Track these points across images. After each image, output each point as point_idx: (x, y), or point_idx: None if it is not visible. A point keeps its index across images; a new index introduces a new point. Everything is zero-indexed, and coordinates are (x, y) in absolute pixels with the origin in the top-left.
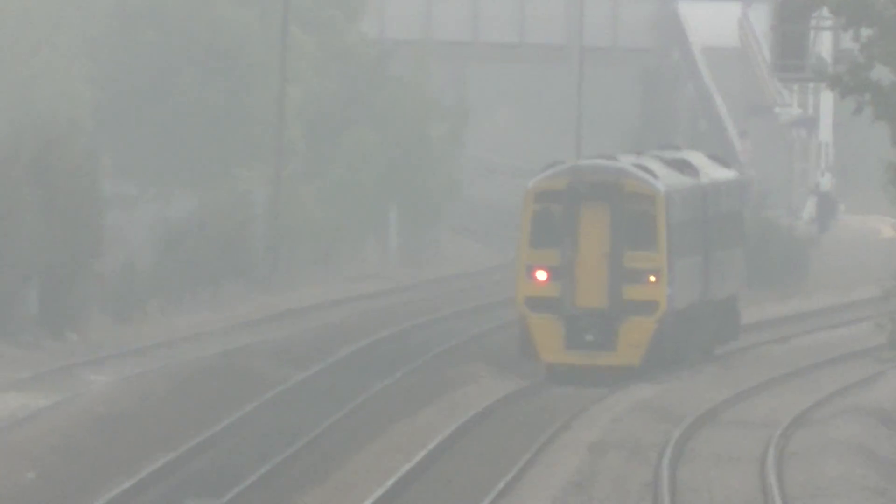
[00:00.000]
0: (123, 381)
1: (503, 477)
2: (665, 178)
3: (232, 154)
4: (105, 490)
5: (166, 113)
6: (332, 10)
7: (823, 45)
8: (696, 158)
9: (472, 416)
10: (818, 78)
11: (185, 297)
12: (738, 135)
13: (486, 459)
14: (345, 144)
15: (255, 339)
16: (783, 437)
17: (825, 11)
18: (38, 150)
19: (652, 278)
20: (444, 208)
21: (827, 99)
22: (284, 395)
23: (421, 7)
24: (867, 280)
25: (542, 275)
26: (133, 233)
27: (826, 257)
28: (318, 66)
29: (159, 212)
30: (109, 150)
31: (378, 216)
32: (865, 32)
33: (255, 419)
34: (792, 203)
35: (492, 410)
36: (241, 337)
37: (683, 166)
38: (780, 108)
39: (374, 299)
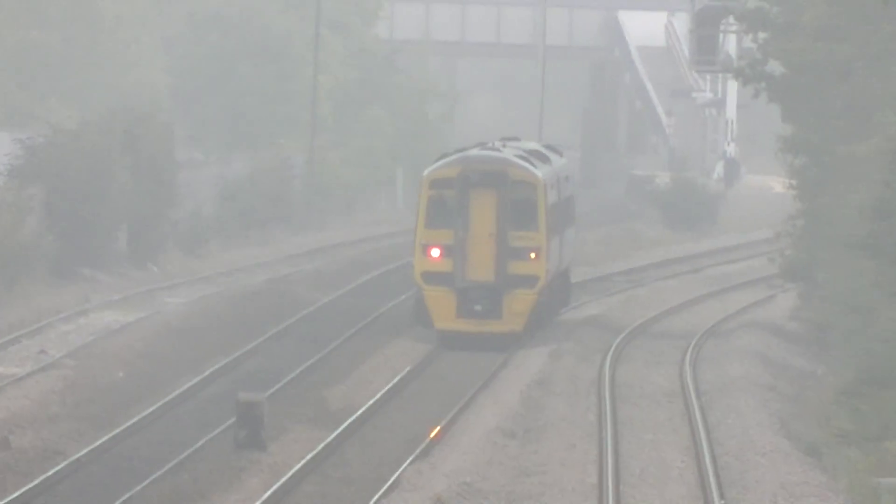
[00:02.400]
0: (192, 302)
1: (483, 376)
2: (539, 167)
3: (276, 127)
4: (177, 385)
5: (226, 96)
6: (353, 17)
7: (730, 44)
8: (543, 149)
9: None
10: (726, 70)
11: (240, 238)
12: (665, 113)
13: (469, 363)
14: (363, 120)
15: (293, 270)
16: (697, 346)
17: (732, 19)
18: (128, 125)
19: (533, 255)
20: None
21: (732, 86)
22: (316, 312)
23: (421, 14)
24: (763, 225)
25: (436, 252)
26: (200, 188)
27: (731, 207)
28: (342, 59)
29: (220, 172)
30: (182, 125)
31: (388, 175)
32: (762, 35)
33: (294, 331)
34: (705, 165)
35: None
36: (283, 268)
37: (542, 156)
38: (697, 92)
39: (385, 239)
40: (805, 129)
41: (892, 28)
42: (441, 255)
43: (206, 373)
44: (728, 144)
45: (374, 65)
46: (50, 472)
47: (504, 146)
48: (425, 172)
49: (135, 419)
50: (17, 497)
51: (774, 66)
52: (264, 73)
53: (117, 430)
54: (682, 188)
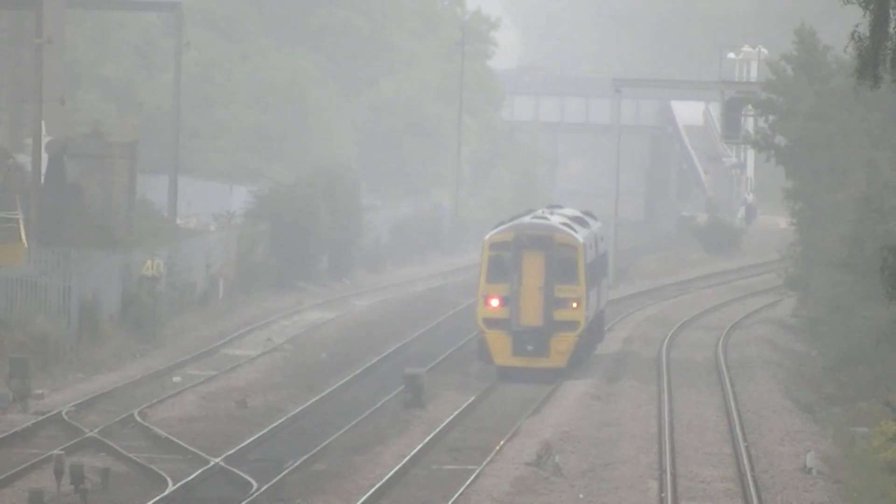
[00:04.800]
0: (373, 304)
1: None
2: (580, 231)
3: (431, 182)
4: (364, 362)
5: (395, 159)
6: (485, 105)
7: (749, 124)
8: (583, 214)
9: None
10: (746, 142)
11: (406, 259)
12: (703, 172)
13: None
14: (492, 177)
15: (444, 282)
16: (727, 335)
17: (750, 106)
18: (328, 180)
19: (574, 305)
20: None
21: (751, 153)
22: (460, 311)
23: (532, 103)
24: (772, 250)
25: (495, 302)
26: (378, 224)
27: (750, 238)
28: (477, 134)
29: (392, 213)
30: (365, 180)
31: (510, 216)
32: (771, 117)
33: (444, 325)
34: (731, 209)
35: None
36: (437, 281)
37: (582, 221)
38: (726, 158)
39: None
40: (802, 183)
41: (861, 112)
42: (499, 304)
43: (383, 354)
44: (748, 194)
45: (499, 139)
46: (275, 424)
47: (551, 213)
48: (486, 237)
49: (333, 386)
50: (252, 440)
51: (780, 140)
52: (422, 144)
53: (321, 394)
54: (716, 225)
